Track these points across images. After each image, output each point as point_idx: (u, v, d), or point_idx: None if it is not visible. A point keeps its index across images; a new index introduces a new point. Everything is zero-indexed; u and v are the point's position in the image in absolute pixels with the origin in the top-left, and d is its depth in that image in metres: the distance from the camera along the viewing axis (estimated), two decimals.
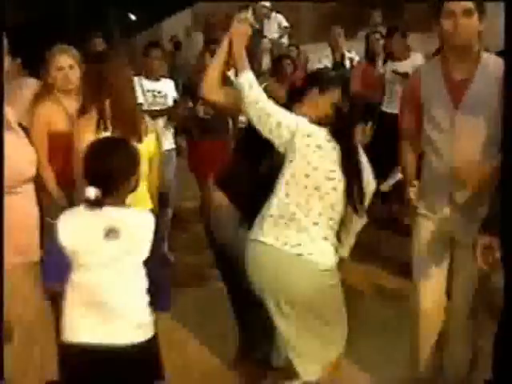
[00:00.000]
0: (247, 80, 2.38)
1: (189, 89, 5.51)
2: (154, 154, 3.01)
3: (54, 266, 2.08)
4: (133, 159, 2.16)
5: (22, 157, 2.27)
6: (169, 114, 4.56)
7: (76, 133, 2.85)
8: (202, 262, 4.52)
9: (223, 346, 3.35)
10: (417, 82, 2.60)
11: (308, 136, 2.35)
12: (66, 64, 3.20)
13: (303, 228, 2.34)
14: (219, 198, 2.85)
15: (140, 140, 2.81)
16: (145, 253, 2.08)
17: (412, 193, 2.62)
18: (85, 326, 2.05)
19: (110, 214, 2.07)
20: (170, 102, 4.61)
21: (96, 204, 2.02)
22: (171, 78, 5.16)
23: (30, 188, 2.34)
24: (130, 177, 2.13)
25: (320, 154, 2.34)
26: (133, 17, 18.62)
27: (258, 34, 8.78)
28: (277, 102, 2.47)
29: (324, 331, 2.49)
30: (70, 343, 2.07)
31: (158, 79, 4.65)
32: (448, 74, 2.46)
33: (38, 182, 2.54)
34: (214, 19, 9.86)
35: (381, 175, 4.19)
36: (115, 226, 2.05)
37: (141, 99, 4.27)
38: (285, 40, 8.89)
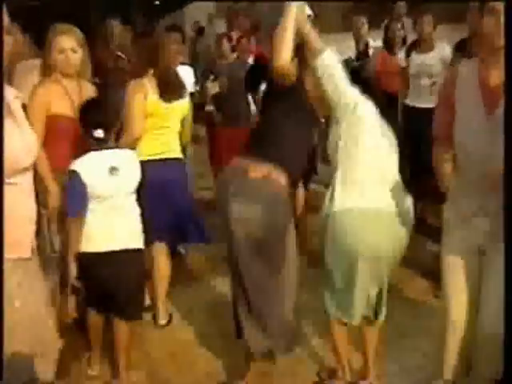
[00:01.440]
0: (331, 59, 2.54)
1: (208, 72, 5.48)
2: (187, 115, 3.68)
3: (76, 200, 2.72)
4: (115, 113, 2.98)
5: (18, 145, 2.07)
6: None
7: (129, 95, 3.29)
8: (214, 256, 4.43)
9: (231, 345, 3.21)
10: (452, 83, 2.46)
11: (366, 105, 2.57)
12: (68, 46, 3.00)
13: (392, 185, 2.60)
14: (279, 177, 2.63)
15: (180, 98, 3.46)
16: (135, 185, 2.89)
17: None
18: (103, 239, 2.78)
19: (112, 155, 2.82)
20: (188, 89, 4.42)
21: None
22: (191, 64, 5.06)
23: (25, 180, 2.13)
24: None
25: (377, 119, 2.60)
26: (156, 1, 18.58)
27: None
28: None
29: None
30: (93, 252, 2.77)
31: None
32: (484, 78, 2.32)
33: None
34: (236, 7, 9.72)
35: (407, 170, 4.18)
36: (116, 165, 2.79)
37: None
38: None
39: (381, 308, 2.76)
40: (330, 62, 2.53)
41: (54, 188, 2.95)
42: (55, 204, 2.97)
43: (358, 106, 2.53)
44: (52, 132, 2.97)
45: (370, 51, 5.67)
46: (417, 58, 4.84)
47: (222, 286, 3.85)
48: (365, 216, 2.55)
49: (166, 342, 3.38)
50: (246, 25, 7.74)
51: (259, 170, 2.58)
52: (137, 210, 2.93)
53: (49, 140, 2.95)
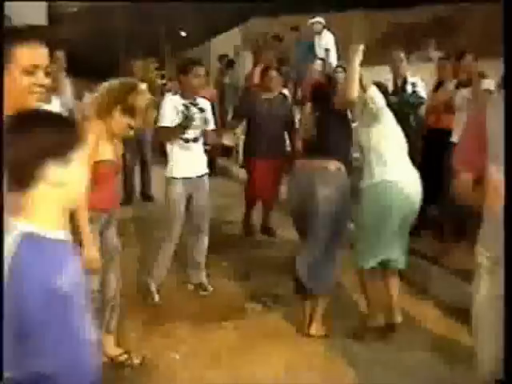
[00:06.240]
0: (376, 93, 3.54)
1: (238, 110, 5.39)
2: None
3: None
4: None
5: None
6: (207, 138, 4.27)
7: None
8: (241, 293, 4.34)
9: None
10: (483, 116, 2.35)
11: (390, 118, 3.63)
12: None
13: (407, 165, 3.61)
14: (343, 168, 3.62)
15: None
16: None
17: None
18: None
19: None
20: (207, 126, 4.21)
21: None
22: (221, 93, 4.98)
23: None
24: None
25: (395, 125, 3.64)
26: (183, 33, 18.81)
27: (311, 55, 8.67)
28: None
29: None
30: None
31: (194, 100, 4.16)
32: None
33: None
34: (262, 39, 9.77)
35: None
36: None
37: (171, 121, 4.04)
38: (333, 60, 8.67)
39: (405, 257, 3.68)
40: (375, 95, 3.52)
41: (89, 239, 2.75)
42: (96, 256, 2.78)
43: (387, 120, 3.58)
44: (93, 176, 2.86)
45: (408, 87, 5.39)
46: (461, 92, 4.77)
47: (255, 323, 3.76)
48: (393, 184, 3.49)
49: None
50: (271, 58, 7.72)
51: (335, 165, 3.57)
52: None
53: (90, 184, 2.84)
